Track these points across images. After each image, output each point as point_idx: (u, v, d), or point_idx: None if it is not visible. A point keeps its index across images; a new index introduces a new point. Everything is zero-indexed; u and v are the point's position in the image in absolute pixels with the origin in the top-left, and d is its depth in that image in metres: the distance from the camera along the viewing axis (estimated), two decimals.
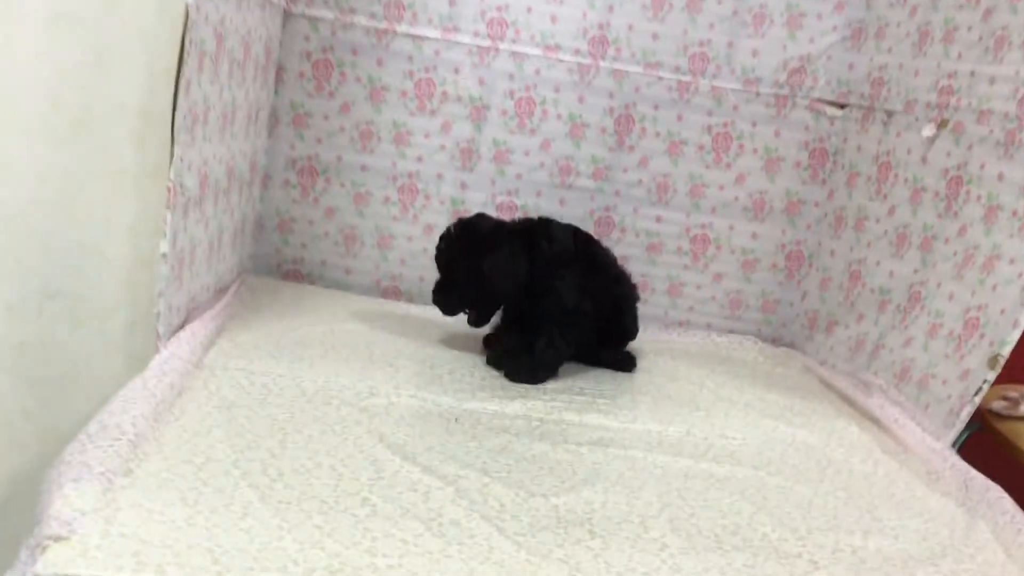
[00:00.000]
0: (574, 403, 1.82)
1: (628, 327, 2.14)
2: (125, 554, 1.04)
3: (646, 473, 1.54)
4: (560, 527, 1.30)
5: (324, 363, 1.79)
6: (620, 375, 2.06)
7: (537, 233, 1.99)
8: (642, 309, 2.47)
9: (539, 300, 1.96)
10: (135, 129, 1.71)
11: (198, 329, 1.72)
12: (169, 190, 1.59)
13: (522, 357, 1.94)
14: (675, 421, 1.81)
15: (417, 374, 1.83)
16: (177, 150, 1.59)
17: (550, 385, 1.91)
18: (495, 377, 1.91)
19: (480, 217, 2.02)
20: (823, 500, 1.54)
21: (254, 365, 1.70)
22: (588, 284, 1.99)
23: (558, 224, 2.03)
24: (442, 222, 2.26)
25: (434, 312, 2.26)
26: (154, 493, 1.18)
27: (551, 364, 1.96)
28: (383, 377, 1.77)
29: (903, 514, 1.53)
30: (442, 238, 2.00)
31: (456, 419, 1.64)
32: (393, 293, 2.42)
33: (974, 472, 1.66)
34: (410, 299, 2.40)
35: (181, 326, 1.72)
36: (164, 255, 1.60)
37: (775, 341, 2.55)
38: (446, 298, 1.99)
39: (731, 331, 2.54)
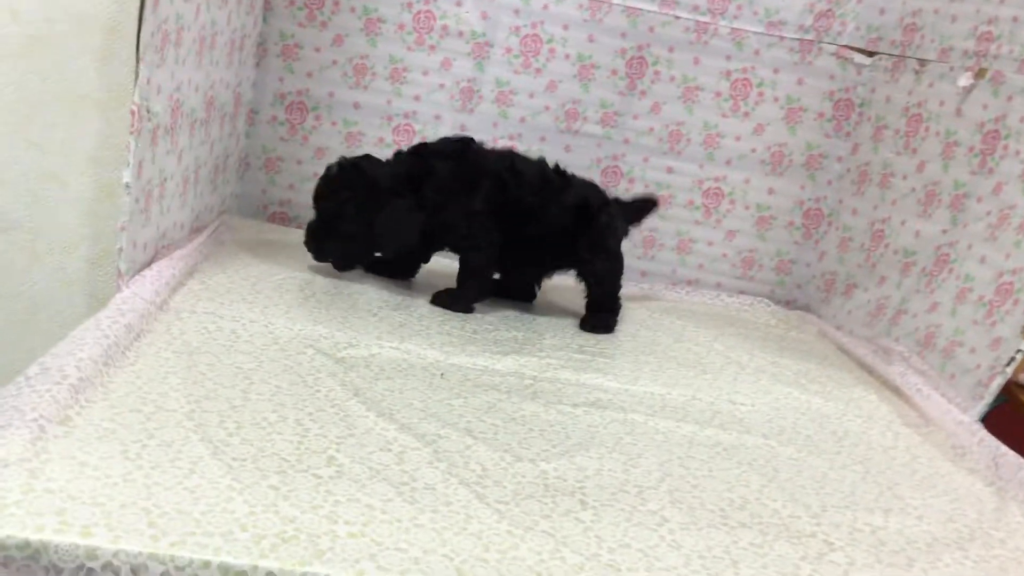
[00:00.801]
0: (572, 361, 1.69)
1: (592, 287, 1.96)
2: (48, 512, 0.91)
3: (646, 439, 1.41)
4: (548, 496, 1.16)
5: (302, 310, 1.65)
6: (621, 334, 1.92)
7: (422, 176, 1.85)
8: (649, 265, 2.36)
9: (436, 235, 1.88)
10: (99, 46, 1.56)
11: (165, 268, 1.59)
12: (133, 114, 1.45)
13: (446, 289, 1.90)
14: (680, 384, 1.67)
15: (403, 325, 1.70)
16: (143, 70, 1.45)
17: (547, 341, 1.78)
18: (488, 330, 1.77)
19: (367, 159, 1.88)
20: (839, 474, 1.41)
21: (224, 309, 1.57)
22: (474, 194, 1.86)
23: (438, 153, 1.88)
24: None
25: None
26: (92, 444, 1.05)
27: (472, 288, 1.89)
28: (365, 327, 1.64)
29: (926, 492, 1.40)
30: (326, 179, 1.86)
31: (442, 374, 1.51)
32: None
33: (1005, 448, 1.52)
34: None
35: (147, 264, 1.59)
36: (127, 186, 1.47)
37: (789, 303, 2.41)
38: (325, 248, 1.88)
39: (743, 292, 2.40)
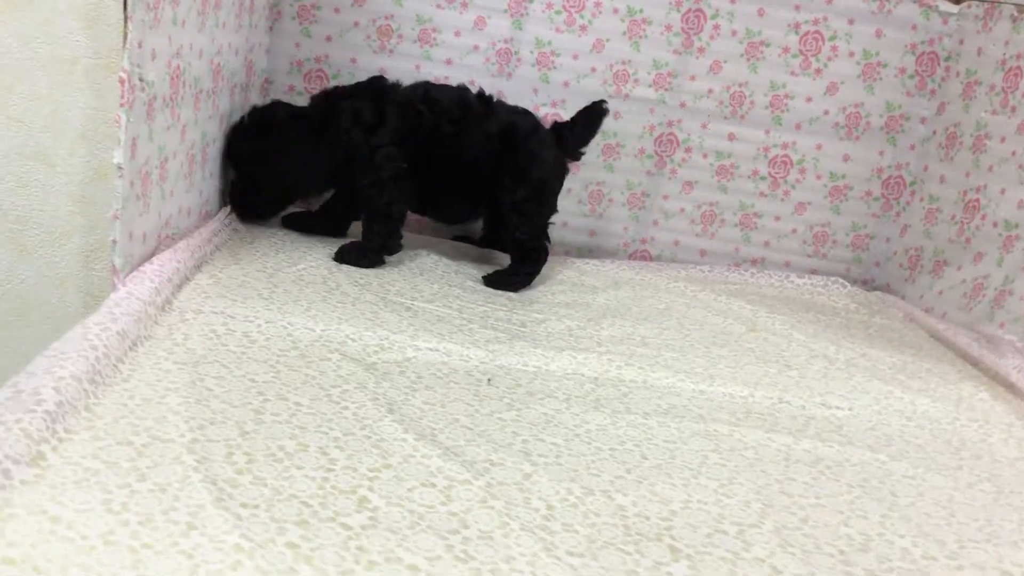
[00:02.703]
0: (635, 357, 1.47)
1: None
2: None
3: (735, 456, 1.19)
4: (630, 541, 0.94)
5: (326, 306, 1.44)
6: (686, 320, 1.70)
7: (329, 117, 1.74)
8: (709, 243, 2.14)
9: (352, 175, 1.75)
10: (88, 5, 1.35)
11: (168, 261, 1.38)
12: (123, 83, 1.24)
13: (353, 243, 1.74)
14: (762, 383, 1.45)
15: (441, 320, 1.48)
16: (132, 32, 1.23)
17: (605, 332, 1.56)
18: (537, 321, 1.56)
19: (276, 105, 1.79)
20: (967, 496, 1.18)
21: (236, 308, 1.36)
22: (380, 127, 1.73)
23: (346, 94, 1.76)
24: None
25: (464, 245, 1.95)
26: (67, 492, 0.84)
27: (376, 236, 1.72)
28: (398, 324, 1.42)
29: None
30: (233, 128, 1.75)
31: (489, 380, 1.29)
32: (415, 223, 2.05)
33: None
34: (435, 230, 2.04)
35: (148, 257, 1.38)
36: (119, 167, 1.26)
37: (866, 283, 2.18)
38: (244, 203, 1.78)
39: (814, 271, 2.17)
